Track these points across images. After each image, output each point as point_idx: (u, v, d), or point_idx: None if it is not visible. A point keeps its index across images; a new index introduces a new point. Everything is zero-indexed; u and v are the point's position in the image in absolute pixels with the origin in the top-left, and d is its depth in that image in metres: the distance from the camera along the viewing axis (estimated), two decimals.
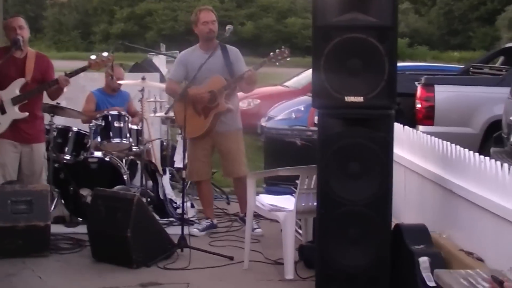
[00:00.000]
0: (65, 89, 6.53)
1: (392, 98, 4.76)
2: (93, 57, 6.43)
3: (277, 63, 6.49)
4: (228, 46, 6.74)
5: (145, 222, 5.68)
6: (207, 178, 6.90)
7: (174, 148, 8.15)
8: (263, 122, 12.04)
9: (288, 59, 6.44)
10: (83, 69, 6.47)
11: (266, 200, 5.71)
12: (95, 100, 7.78)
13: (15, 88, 6.29)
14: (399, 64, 6.66)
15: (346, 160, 4.76)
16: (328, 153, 4.77)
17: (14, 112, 6.28)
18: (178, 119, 6.82)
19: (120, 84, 7.73)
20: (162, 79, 9.28)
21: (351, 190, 4.76)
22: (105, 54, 6.44)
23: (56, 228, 6.47)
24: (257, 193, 5.95)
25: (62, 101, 7.53)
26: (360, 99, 4.72)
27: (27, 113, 6.29)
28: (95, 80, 8.20)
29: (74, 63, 7.52)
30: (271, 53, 6.48)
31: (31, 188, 5.94)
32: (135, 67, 10.05)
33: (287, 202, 5.55)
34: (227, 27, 6.49)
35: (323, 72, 4.73)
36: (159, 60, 12.12)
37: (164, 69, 11.67)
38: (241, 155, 6.74)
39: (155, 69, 9.57)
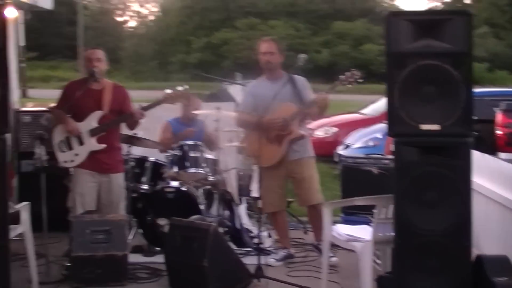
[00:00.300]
0: (145, 115, 6.71)
1: (469, 126, 4.70)
2: (168, 91, 6.59)
3: (349, 85, 6.49)
4: (294, 75, 6.79)
5: (222, 252, 5.73)
6: (282, 208, 6.91)
7: (250, 178, 8.19)
8: (340, 150, 12.00)
9: (360, 80, 6.43)
10: (158, 103, 6.63)
11: (343, 230, 5.67)
12: (171, 129, 7.91)
13: (92, 120, 6.50)
14: (478, 89, 6.58)
15: (423, 189, 4.71)
16: (405, 182, 4.73)
17: (92, 144, 6.48)
18: (250, 149, 6.86)
19: (196, 114, 7.84)
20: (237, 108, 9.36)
21: (429, 219, 4.70)
22: (179, 88, 6.59)
23: (134, 258, 6.60)
24: (334, 223, 5.92)
25: (139, 132, 7.68)
26: (436, 127, 4.68)
27: (104, 145, 6.48)
28: (171, 110, 8.28)
29: (152, 93, 7.67)
30: (342, 76, 6.48)
31: (109, 218, 6.07)
32: (211, 97, 10.20)
33: (364, 232, 5.50)
34: (301, 55, 6.53)
35: (398, 100, 4.71)
36: (235, 89, 12.22)
37: (239, 98, 11.76)
38: (315, 182, 6.75)
39: (230, 98, 9.67)
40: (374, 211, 5.27)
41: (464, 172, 4.71)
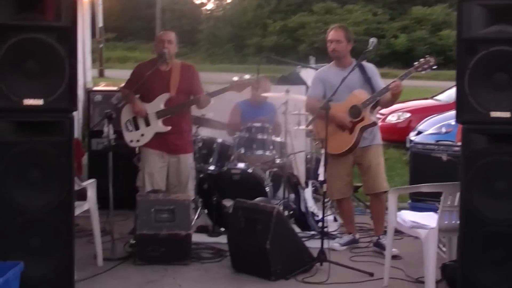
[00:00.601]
0: (212, 101, 6.74)
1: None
2: (235, 78, 6.68)
3: (423, 72, 6.35)
4: (364, 63, 6.68)
5: (285, 235, 5.71)
6: (348, 195, 6.85)
7: (318, 161, 8.13)
8: (412, 136, 11.81)
9: (434, 67, 6.28)
10: (224, 90, 6.72)
11: (408, 216, 5.58)
12: (240, 111, 7.91)
13: (160, 102, 6.60)
14: None
15: (491, 178, 4.61)
16: (472, 170, 4.63)
17: (158, 126, 6.60)
18: (318, 135, 6.81)
19: (265, 97, 7.82)
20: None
21: (496, 209, 4.60)
22: (247, 76, 6.66)
23: (198, 237, 6.66)
24: (399, 209, 5.85)
25: (210, 113, 7.73)
26: (506, 114, 4.56)
27: (169, 127, 6.59)
28: (241, 92, 8.28)
29: (228, 75, 7.71)
30: (416, 62, 6.34)
31: (173, 197, 6.12)
32: (282, 80, 10.16)
33: (430, 219, 5.41)
34: (371, 40, 6.44)
35: (468, 87, 4.61)
36: (308, 73, 12.16)
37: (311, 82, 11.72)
38: (382, 170, 6.63)
39: (302, 82, 9.60)
40: (441, 198, 5.18)
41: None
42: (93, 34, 10.39)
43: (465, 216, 4.68)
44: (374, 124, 6.53)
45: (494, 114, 4.58)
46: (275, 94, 7.53)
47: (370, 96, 6.44)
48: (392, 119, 13.81)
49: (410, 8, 44.65)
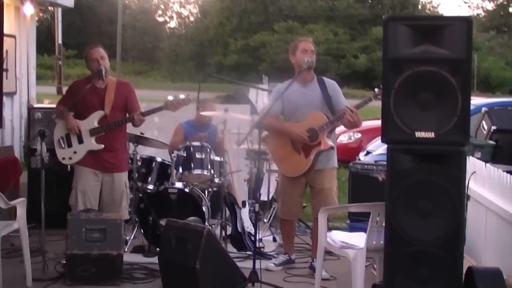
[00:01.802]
0: (156, 119, 6.70)
1: (465, 134, 4.59)
2: (170, 97, 6.57)
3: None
4: (325, 78, 6.61)
5: (216, 255, 5.68)
6: (298, 217, 6.84)
7: (259, 181, 8.14)
8: (362, 156, 11.88)
9: None
10: (158, 109, 6.66)
11: (338, 236, 5.60)
12: (183, 132, 7.88)
13: (94, 120, 6.54)
14: (500, 99, 6.41)
15: (416, 197, 4.61)
16: (397, 189, 4.64)
17: (90, 143, 6.53)
18: (273, 155, 6.77)
19: (209, 118, 7.78)
20: (253, 111, 9.33)
21: (421, 228, 4.60)
22: (182, 96, 6.58)
23: (134, 258, 6.61)
24: (336, 229, 5.85)
25: (154, 131, 7.69)
26: (431, 134, 4.58)
27: (102, 145, 6.52)
28: (187, 111, 8.24)
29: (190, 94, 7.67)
30: (376, 89, 6.27)
31: (105, 216, 6.06)
32: (226, 99, 10.19)
33: (360, 239, 5.42)
34: (305, 59, 6.40)
35: (393, 106, 4.63)
36: (253, 92, 12.23)
37: (264, 101, 11.76)
38: (333, 195, 6.53)
39: (247, 101, 9.64)
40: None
41: (458, 181, 4.58)
42: (52, 51, 10.33)
43: (390, 236, 4.68)
44: (331, 148, 6.44)
45: (419, 134, 4.60)
46: (213, 113, 7.50)
47: (328, 120, 6.34)
48: (343, 139, 13.88)
49: (370, 28, 45.21)
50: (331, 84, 6.58)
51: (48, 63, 39.27)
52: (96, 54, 6.55)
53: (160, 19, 57.32)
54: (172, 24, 57.81)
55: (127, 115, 6.63)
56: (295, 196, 6.60)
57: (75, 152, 6.52)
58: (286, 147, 6.37)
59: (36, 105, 8.72)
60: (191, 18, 57.30)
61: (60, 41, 12.77)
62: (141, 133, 7.26)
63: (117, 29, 42.47)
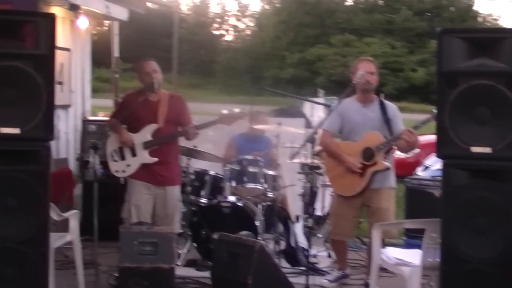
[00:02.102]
0: (210, 132, 6.73)
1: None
2: (224, 111, 6.63)
3: None
4: (386, 101, 6.57)
5: (268, 270, 5.67)
6: (351, 238, 6.80)
7: (314, 195, 8.11)
8: (420, 172, 11.75)
9: None
10: (213, 123, 6.70)
11: (393, 253, 5.54)
12: (235, 145, 7.92)
13: (147, 133, 6.59)
14: None
15: (472, 214, 4.54)
16: (453, 206, 4.58)
17: (144, 156, 6.59)
18: (328, 173, 6.74)
19: (262, 130, 7.82)
20: (308, 125, 9.32)
21: (478, 246, 4.53)
22: (236, 109, 6.64)
23: (187, 271, 6.65)
24: (392, 245, 5.79)
25: (207, 144, 7.73)
26: (487, 149, 4.50)
27: (156, 159, 6.56)
28: (240, 124, 8.24)
29: (244, 108, 7.70)
30: (434, 110, 6.19)
31: (157, 230, 6.08)
32: (279, 112, 10.19)
33: (415, 256, 5.35)
34: (359, 72, 6.36)
35: (448, 120, 4.57)
36: (307, 106, 12.22)
37: (320, 115, 11.74)
38: (390, 215, 6.43)
39: (301, 115, 9.64)
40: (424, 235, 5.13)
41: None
42: (109, 64, 10.52)
43: (446, 253, 4.61)
44: (387, 169, 6.37)
45: (475, 149, 4.53)
46: (267, 126, 7.52)
47: (385, 140, 6.28)
48: (401, 153, 13.71)
49: (429, 41, 44.73)
50: (392, 108, 6.53)
51: (105, 76, 39.90)
52: (148, 68, 6.62)
53: (216, 33, 57.70)
54: (228, 37, 58.20)
55: (179, 128, 6.67)
56: (349, 217, 6.53)
57: (128, 165, 6.59)
58: (340, 166, 6.34)
59: (90, 118, 8.84)
60: (247, 32, 57.57)
61: (116, 54, 12.91)
62: (194, 146, 7.31)
63: (173, 42, 43.02)
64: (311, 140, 6.11)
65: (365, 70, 6.39)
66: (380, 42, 45.39)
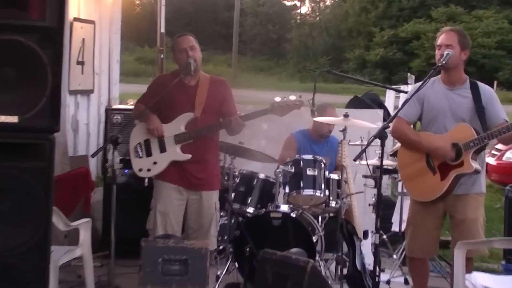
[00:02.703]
0: (265, 126, 6.70)
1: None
2: (277, 99, 6.54)
3: None
4: (480, 83, 6.40)
5: None
6: (433, 255, 6.74)
7: (390, 206, 8.08)
8: None
9: None
10: (262, 112, 6.61)
11: (481, 280, 5.47)
12: (295, 145, 7.92)
13: (180, 124, 6.62)
14: None
15: None
16: None
17: (175, 152, 6.61)
18: (402, 172, 6.66)
19: (330, 128, 7.79)
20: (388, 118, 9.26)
21: None
22: (292, 97, 6.54)
23: None
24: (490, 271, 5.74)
25: (261, 141, 7.74)
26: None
27: (189, 155, 6.59)
28: (303, 117, 8.26)
29: (320, 98, 7.60)
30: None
31: (187, 245, 6.11)
32: (353, 102, 10.14)
33: (509, 284, 5.29)
34: (445, 51, 6.27)
35: None
36: (390, 95, 12.13)
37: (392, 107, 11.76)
38: (478, 227, 6.30)
39: (379, 105, 9.59)
40: None
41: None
42: (154, 42, 10.65)
43: None
44: (475, 172, 6.22)
45: None
46: (329, 119, 7.47)
47: (477, 136, 6.13)
48: (510, 156, 13.55)
49: None
50: (488, 92, 6.37)
51: (149, 56, 40.38)
52: (185, 44, 6.64)
53: (288, 4, 57.90)
54: (304, 9, 58.33)
55: (221, 120, 6.70)
56: (429, 228, 6.45)
57: (155, 163, 6.61)
58: (418, 164, 6.28)
59: (115, 106, 8.89)
60: (327, 2, 57.58)
61: (162, 30, 13.02)
62: (240, 143, 7.31)
63: (234, 16, 43.27)
64: (380, 135, 6.02)
65: (441, 43, 6.32)
66: (496, 15, 44.77)
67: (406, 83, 13.44)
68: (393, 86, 11.11)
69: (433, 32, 44.35)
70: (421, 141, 6.34)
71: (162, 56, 20.15)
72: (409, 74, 14.84)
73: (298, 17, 57.28)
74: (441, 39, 6.37)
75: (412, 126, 6.56)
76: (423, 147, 6.29)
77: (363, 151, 6.21)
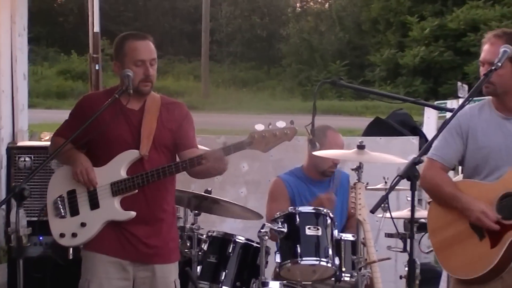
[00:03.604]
0: (245, 166, 6.74)
1: None
2: (259, 127, 6.38)
3: None
4: None
5: None
6: None
7: (433, 279, 8.16)
8: None
9: None
10: (238, 147, 6.44)
11: None
12: (286, 192, 8.03)
13: (119, 166, 6.59)
14: None
15: None
16: None
17: (112, 209, 6.58)
18: (433, 241, 6.69)
19: (333, 164, 7.86)
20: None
21: None
22: (280, 124, 6.39)
23: None
24: None
25: (240, 187, 7.84)
26: None
27: (133, 213, 6.55)
28: (299, 151, 8.37)
29: (330, 121, 7.58)
30: None
31: None
32: (374, 126, 10.20)
33: None
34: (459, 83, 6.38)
35: None
36: (430, 115, 12.25)
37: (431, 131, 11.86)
38: None
39: (414, 129, 9.67)
40: None
41: None
42: (84, 47, 10.78)
43: None
44: None
45: None
46: (335, 153, 7.54)
47: None
48: None
49: None
50: None
51: (78, 67, 40.26)
52: (144, 54, 6.59)
53: None
54: None
55: (177, 158, 6.72)
56: None
57: (83, 225, 6.58)
58: (457, 225, 6.34)
59: (21, 143, 8.88)
60: None
61: (97, 29, 12.90)
62: (207, 191, 7.36)
63: (203, 7, 43.59)
64: (409, 174, 6.02)
65: (484, 59, 6.35)
66: None
67: (457, 97, 13.50)
68: (435, 103, 11.17)
69: (498, 21, 44.80)
70: (458, 195, 6.39)
71: (97, 66, 20.20)
72: (459, 84, 14.87)
73: (298, 4, 57.45)
74: (484, 51, 6.40)
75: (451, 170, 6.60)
76: (459, 205, 6.34)
77: (385, 198, 6.18)
